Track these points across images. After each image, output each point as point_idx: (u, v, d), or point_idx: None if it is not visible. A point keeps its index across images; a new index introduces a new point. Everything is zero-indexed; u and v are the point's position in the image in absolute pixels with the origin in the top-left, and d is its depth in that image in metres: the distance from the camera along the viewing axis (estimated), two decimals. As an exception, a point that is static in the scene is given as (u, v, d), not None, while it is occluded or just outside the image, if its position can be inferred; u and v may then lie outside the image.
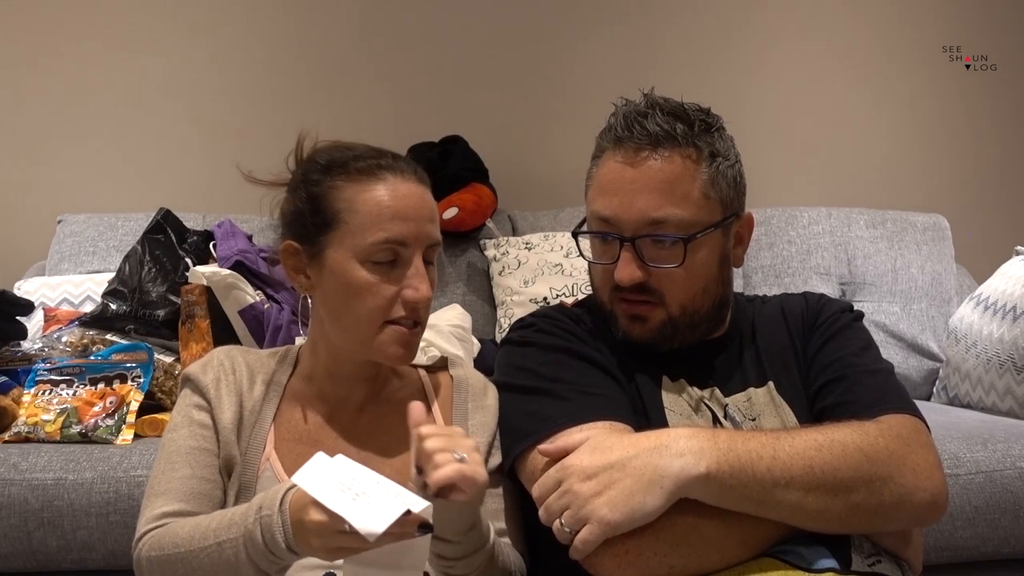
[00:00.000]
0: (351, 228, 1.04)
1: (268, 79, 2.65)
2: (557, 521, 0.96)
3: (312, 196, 1.07)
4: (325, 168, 1.09)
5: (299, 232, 1.09)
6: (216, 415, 1.08)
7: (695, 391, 1.14)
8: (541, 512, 0.99)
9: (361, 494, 0.84)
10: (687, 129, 1.09)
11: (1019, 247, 2.13)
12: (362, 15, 2.67)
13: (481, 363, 2.00)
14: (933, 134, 2.83)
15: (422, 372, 1.20)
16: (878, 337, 1.99)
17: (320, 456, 0.91)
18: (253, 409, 1.10)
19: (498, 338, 2.21)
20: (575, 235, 1.19)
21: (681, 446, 0.94)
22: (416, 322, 1.07)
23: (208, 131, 2.55)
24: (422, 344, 1.79)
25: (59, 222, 2.41)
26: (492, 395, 1.17)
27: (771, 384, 1.15)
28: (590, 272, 1.21)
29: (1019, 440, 1.64)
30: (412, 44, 2.68)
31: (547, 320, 1.19)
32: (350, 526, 0.81)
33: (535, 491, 1.01)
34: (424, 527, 0.85)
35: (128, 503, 1.46)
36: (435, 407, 1.16)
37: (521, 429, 1.08)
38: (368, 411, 1.13)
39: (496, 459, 1.12)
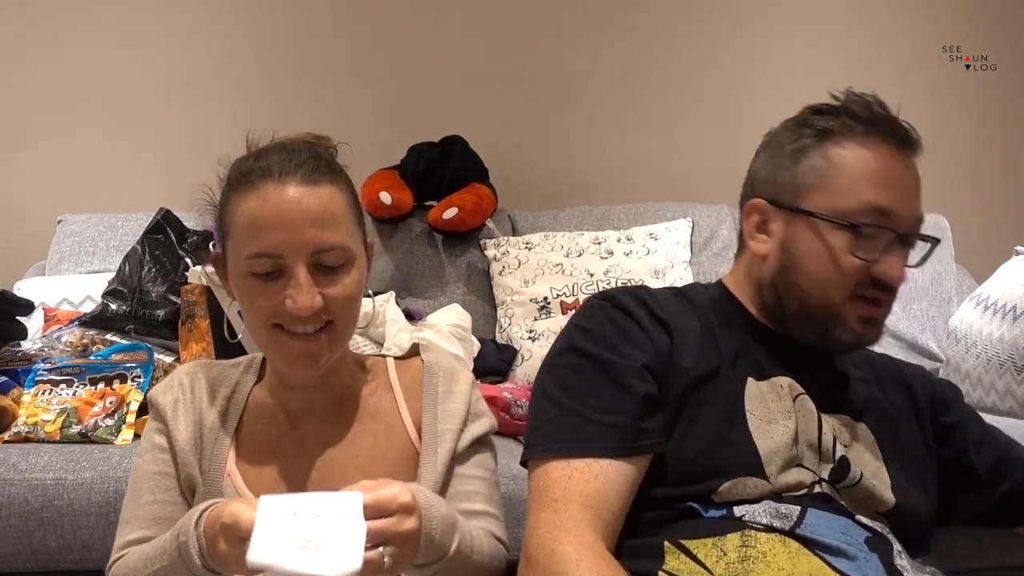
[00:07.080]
0: (234, 241, 1.03)
1: (268, 79, 2.65)
2: None
3: (219, 207, 1.07)
4: (227, 177, 1.07)
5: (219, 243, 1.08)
6: (173, 436, 1.07)
7: (785, 394, 1.06)
8: None
9: (312, 538, 0.79)
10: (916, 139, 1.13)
11: (1019, 247, 2.13)
12: (363, 16, 2.67)
13: (481, 363, 2.00)
14: (933, 134, 2.76)
15: (391, 362, 1.18)
16: (878, 337, 1.98)
17: (260, 515, 0.82)
18: (213, 426, 1.09)
19: (498, 338, 2.21)
20: (853, 225, 1.03)
21: None
22: (320, 328, 1.02)
23: (208, 131, 2.55)
24: (423, 343, 1.79)
25: (59, 222, 2.41)
26: (463, 379, 1.14)
27: (866, 425, 1.10)
28: (816, 263, 1.06)
29: (1019, 440, 1.64)
30: (412, 44, 2.69)
31: (606, 308, 1.08)
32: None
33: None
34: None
35: (128, 503, 1.46)
36: (400, 398, 1.13)
37: (532, 432, 1.05)
38: (333, 417, 1.10)
39: (466, 440, 1.09)
